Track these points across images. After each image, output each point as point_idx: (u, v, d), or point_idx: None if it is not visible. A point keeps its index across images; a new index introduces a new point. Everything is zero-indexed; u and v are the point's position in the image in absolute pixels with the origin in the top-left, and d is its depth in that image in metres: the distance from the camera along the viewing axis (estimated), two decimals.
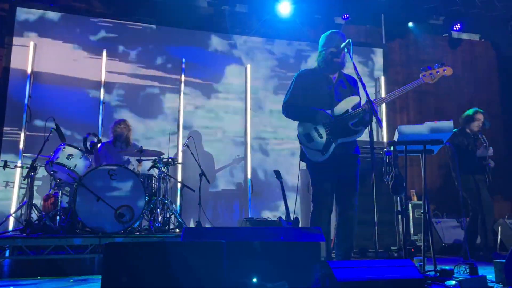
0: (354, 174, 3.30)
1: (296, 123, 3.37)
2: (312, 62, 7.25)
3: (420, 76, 3.31)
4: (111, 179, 4.39)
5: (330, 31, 3.48)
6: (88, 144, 4.74)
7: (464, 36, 8.10)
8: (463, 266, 3.18)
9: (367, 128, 3.08)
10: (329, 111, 3.24)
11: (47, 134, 4.60)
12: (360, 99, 3.26)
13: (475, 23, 7.75)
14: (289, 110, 3.34)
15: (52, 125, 4.66)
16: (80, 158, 4.58)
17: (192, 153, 5.57)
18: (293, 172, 6.71)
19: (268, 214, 6.55)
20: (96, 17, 6.55)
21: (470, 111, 5.22)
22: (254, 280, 2.09)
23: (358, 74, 3.21)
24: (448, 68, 3.30)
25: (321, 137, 3.21)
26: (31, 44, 6.15)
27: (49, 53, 6.25)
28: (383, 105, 7.47)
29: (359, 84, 3.20)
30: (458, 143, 5.00)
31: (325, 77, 3.37)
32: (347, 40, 3.25)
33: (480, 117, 5.13)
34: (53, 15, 6.38)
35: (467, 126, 5.15)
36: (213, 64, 6.98)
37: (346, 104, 3.28)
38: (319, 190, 3.27)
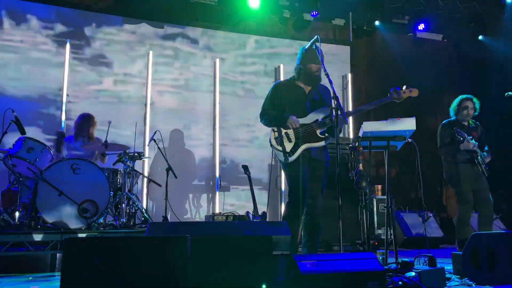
0: (321, 177, 3.51)
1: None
2: (282, 57, 7.36)
3: (388, 95, 3.49)
4: (74, 173, 4.27)
5: (316, 47, 3.57)
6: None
7: (428, 36, 8.33)
8: (422, 258, 3.29)
9: (333, 123, 3.21)
10: (300, 119, 3.47)
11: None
12: (332, 110, 3.36)
13: (438, 23, 7.98)
14: (264, 117, 3.60)
15: (11, 117, 4.47)
16: (41, 151, 4.42)
17: (159, 148, 5.49)
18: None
19: (236, 209, 6.56)
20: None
21: (458, 102, 4.98)
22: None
23: (325, 70, 3.28)
24: (415, 90, 3.47)
25: (290, 141, 3.45)
26: None
27: None
28: (350, 103, 7.62)
29: (329, 87, 3.29)
30: (444, 134, 4.89)
31: (299, 89, 3.61)
32: (315, 37, 3.34)
33: (468, 104, 4.89)
34: None
35: (457, 117, 4.94)
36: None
37: (316, 115, 3.50)
38: (294, 186, 3.43)
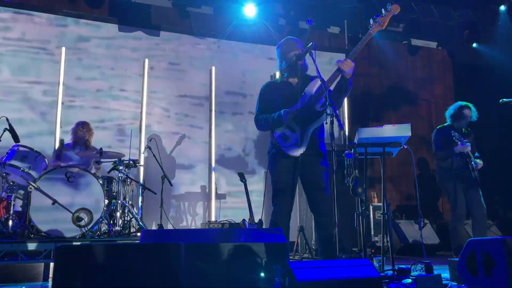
0: (323, 182, 3.28)
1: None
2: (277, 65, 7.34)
3: (369, 29, 3.38)
4: (68, 181, 4.24)
5: (288, 37, 3.52)
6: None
7: (422, 43, 8.41)
8: (419, 265, 3.28)
9: (330, 129, 2.96)
10: (294, 107, 3.25)
11: None
12: (323, 81, 3.22)
13: (432, 31, 8.05)
14: (259, 123, 3.41)
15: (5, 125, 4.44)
16: (35, 159, 4.39)
17: (154, 155, 5.46)
18: None
19: (232, 217, 6.51)
20: None
21: (456, 108, 4.94)
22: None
23: (320, 77, 3.26)
24: (394, 7, 3.37)
25: (295, 132, 3.24)
26: None
27: None
28: (346, 109, 7.62)
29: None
30: (440, 139, 4.88)
31: (287, 84, 3.44)
32: (310, 43, 3.29)
33: (468, 113, 4.87)
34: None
35: (454, 124, 4.92)
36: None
37: (310, 90, 3.29)
38: (279, 191, 3.26)
